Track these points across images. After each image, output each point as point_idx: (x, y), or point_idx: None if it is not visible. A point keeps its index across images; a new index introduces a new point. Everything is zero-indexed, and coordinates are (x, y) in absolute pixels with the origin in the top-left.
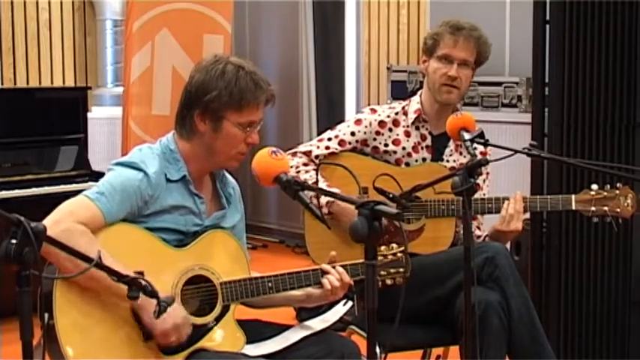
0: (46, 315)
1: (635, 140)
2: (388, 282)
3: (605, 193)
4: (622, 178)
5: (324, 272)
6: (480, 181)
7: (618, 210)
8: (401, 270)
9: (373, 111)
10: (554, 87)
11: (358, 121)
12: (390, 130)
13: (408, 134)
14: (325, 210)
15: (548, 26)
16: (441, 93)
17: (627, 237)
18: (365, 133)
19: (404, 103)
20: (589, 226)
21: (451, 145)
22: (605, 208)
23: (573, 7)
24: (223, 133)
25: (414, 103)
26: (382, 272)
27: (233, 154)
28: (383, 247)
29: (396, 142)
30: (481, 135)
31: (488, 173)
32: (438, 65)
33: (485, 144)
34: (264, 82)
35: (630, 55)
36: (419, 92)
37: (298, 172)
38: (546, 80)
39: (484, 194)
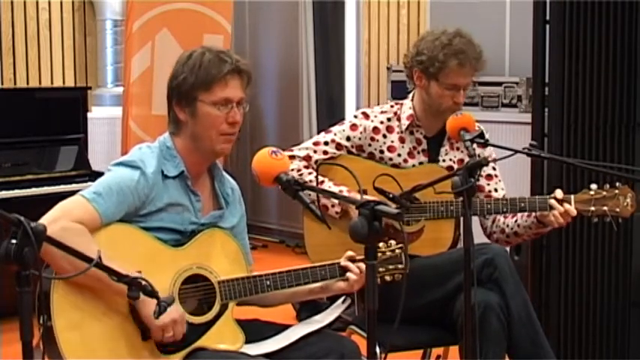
0: (44, 317)
1: (635, 140)
2: (387, 278)
3: (605, 193)
4: (622, 178)
5: (345, 270)
6: (491, 187)
7: (618, 209)
8: (400, 266)
9: (366, 116)
10: (554, 87)
11: (353, 126)
12: (385, 136)
13: (402, 140)
14: (337, 209)
15: (548, 26)
16: (446, 113)
17: (627, 237)
18: (360, 139)
19: (395, 107)
20: (589, 226)
21: (446, 144)
22: (605, 207)
23: (573, 7)
24: (200, 116)
25: (407, 109)
26: (381, 269)
27: (215, 136)
28: (381, 244)
29: (391, 149)
30: (481, 135)
31: (497, 176)
32: (443, 92)
33: (486, 144)
34: (231, 57)
35: (630, 55)
36: (410, 96)
37: (301, 175)
38: (546, 80)
39: (504, 194)
